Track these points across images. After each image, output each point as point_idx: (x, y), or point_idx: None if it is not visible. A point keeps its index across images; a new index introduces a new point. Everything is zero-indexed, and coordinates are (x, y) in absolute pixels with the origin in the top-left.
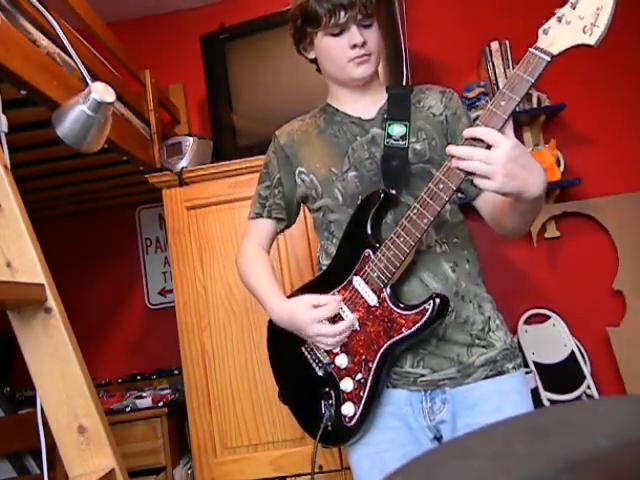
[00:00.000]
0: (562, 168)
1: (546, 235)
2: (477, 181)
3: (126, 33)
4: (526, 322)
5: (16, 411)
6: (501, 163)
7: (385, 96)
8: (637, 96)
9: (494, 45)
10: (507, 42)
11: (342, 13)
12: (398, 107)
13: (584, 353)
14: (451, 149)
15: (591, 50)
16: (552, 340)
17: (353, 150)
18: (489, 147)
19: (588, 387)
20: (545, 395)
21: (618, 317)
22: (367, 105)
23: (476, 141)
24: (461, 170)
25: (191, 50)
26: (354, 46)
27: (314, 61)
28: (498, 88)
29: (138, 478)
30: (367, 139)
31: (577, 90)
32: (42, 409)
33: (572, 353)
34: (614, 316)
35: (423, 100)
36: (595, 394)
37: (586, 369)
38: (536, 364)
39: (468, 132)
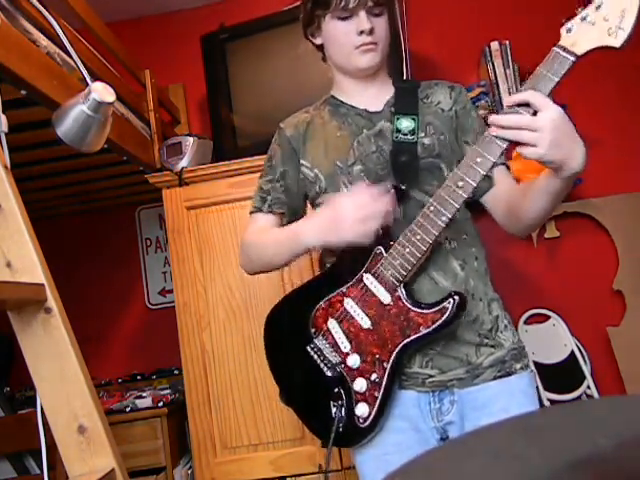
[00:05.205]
0: None
1: (546, 235)
2: (520, 149)
3: (126, 33)
4: (526, 322)
5: (16, 411)
6: (548, 129)
7: (392, 89)
8: (637, 96)
9: (494, 45)
10: (507, 42)
11: None
12: (406, 101)
13: (584, 353)
14: (494, 118)
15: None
16: (552, 340)
17: (359, 143)
18: (534, 114)
19: (588, 387)
20: (545, 395)
21: (618, 317)
22: (373, 97)
23: (520, 107)
24: (503, 139)
25: (191, 50)
26: (361, 32)
27: (320, 48)
28: (498, 88)
29: (138, 478)
30: (374, 132)
31: (577, 90)
32: (42, 409)
33: (572, 353)
34: (614, 316)
35: (431, 95)
36: (595, 394)
37: (586, 369)
38: (536, 364)
39: (514, 97)
